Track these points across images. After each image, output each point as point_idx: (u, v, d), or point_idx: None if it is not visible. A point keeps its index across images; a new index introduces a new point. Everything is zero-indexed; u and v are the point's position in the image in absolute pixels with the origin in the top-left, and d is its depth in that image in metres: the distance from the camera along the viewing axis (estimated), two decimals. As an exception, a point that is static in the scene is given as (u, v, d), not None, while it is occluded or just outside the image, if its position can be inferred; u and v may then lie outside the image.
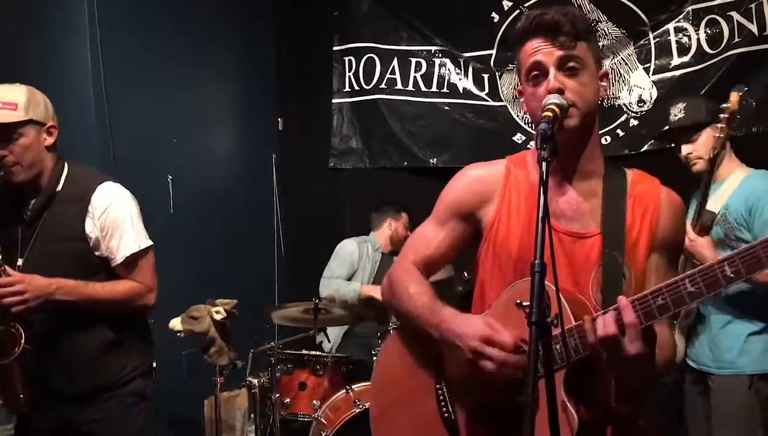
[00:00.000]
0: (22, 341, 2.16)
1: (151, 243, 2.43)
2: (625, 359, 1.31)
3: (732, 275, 1.21)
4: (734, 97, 2.65)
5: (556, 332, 1.33)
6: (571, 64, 1.50)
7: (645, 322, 1.32)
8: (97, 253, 2.33)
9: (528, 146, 4.40)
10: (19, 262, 2.27)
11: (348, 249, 4.36)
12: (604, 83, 1.58)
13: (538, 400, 1.35)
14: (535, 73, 1.52)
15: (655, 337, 1.38)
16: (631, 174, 1.62)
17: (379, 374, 1.87)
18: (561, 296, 1.37)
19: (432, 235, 1.74)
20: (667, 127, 2.99)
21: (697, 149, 2.81)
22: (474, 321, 1.52)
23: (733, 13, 3.78)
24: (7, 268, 2.18)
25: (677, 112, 2.89)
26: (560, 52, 1.49)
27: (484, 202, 1.67)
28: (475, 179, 1.70)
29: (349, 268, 4.32)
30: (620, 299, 1.33)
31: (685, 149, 2.84)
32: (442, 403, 1.66)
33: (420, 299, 1.66)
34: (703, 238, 2.68)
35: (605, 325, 1.32)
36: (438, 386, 1.68)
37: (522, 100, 1.63)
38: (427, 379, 1.70)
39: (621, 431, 1.51)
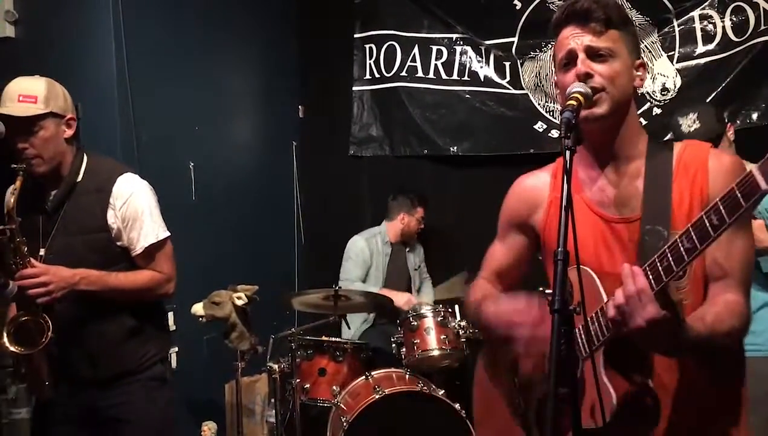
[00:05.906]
0: (50, 332, 2.19)
1: (169, 234, 2.46)
2: (640, 326, 1.29)
3: (717, 222, 1.20)
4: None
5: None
6: (600, 53, 1.51)
7: (656, 286, 1.31)
8: (119, 243, 2.36)
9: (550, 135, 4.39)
10: (41, 252, 2.30)
11: (359, 247, 4.37)
12: (639, 73, 1.56)
13: (584, 382, 1.43)
14: (566, 61, 1.54)
15: (673, 303, 1.37)
16: (678, 145, 1.59)
17: (477, 407, 1.93)
18: (602, 280, 1.42)
19: (497, 250, 1.83)
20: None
21: None
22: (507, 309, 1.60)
23: (760, 1, 3.72)
24: (32, 260, 2.21)
25: (690, 123, 2.87)
26: (589, 40, 1.51)
27: (534, 209, 1.71)
28: (522, 189, 1.77)
29: (362, 266, 4.34)
30: (625, 266, 1.33)
31: None
32: (519, 409, 1.71)
33: (486, 305, 1.74)
34: (756, 221, 2.67)
35: (616, 295, 1.33)
36: (516, 396, 1.73)
37: (558, 91, 1.63)
38: (510, 391, 1.75)
39: (678, 401, 1.49)
